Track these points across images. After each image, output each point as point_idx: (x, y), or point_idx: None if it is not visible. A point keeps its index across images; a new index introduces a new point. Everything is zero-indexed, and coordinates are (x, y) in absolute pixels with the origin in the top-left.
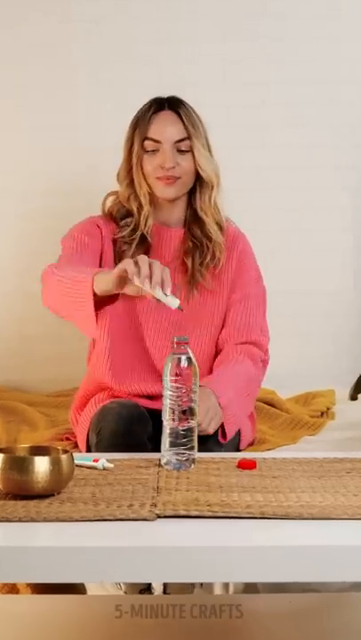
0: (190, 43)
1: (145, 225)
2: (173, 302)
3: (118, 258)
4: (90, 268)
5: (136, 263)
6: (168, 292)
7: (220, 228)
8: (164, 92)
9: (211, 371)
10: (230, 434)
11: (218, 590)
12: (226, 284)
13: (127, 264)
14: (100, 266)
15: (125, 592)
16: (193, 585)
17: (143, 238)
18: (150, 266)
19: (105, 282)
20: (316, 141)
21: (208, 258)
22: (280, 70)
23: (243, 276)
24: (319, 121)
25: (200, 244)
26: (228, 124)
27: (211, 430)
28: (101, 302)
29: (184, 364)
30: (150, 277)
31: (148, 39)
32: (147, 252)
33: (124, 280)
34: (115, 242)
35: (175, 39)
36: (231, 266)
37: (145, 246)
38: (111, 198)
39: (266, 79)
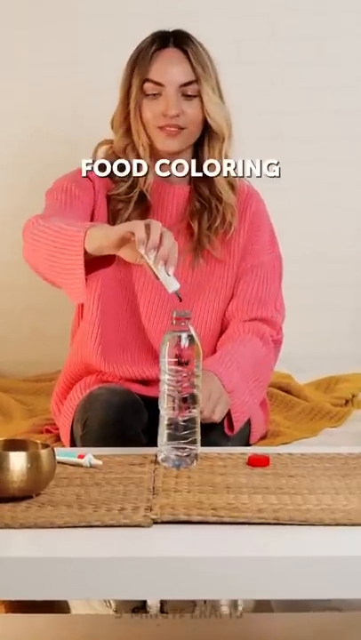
0: None
1: (145, 182)
2: (173, 285)
3: (113, 217)
4: (81, 222)
5: (147, 227)
6: (170, 273)
7: (232, 187)
8: (164, 24)
9: (216, 351)
10: (239, 424)
11: (225, 609)
12: (236, 251)
13: (137, 228)
14: None
15: (116, 611)
16: (195, 603)
17: (142, 197)
18: (161, 236)
19: (100, 239)
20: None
21: (218, 221)
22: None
23: (255, 242)
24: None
25: (208, 206)
26: (235, 61)
27: (216, 418)
28: (92, 264)
29: (185, 343)
30: (158, 250)
31: None
32: (146, 213)
33: (124, 242)
34: (109, 199)
35: None
36: (243, 229)
37: (144, 206)
38: (104, 148)
39: (271, 10)
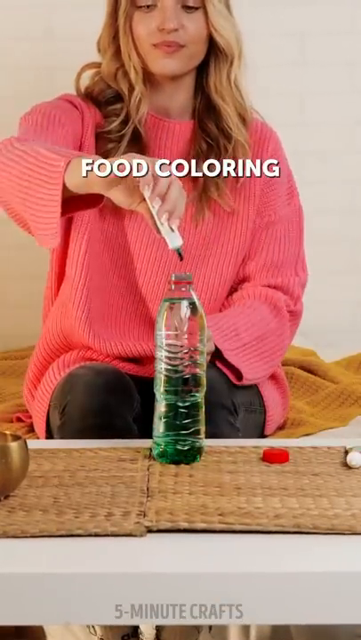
0: None
1: (137, 112)
2: (175, 241)
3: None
4: (67, 150)
5: (154, 175)
6: (175, 227)
7: (244, 121)
8: None
9: None
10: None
11: (234, 637)
12: (252, 201)
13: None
14: None
15: (102, 639)
16: (198, 629)
17: (137, 134)
18: (170, 185)
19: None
20: None
21: (232, 167)
22: None
23: (272, 191)
24: None
25: (217, 145)
26: None
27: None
28: (73, 206)
29: (186, 312)
30: (164, 199)
31: None
32: (143, 153)
33: (117, 180)
34: (97, 137)
35: None
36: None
37: (140, 145)
38: (90, 73)
39: None
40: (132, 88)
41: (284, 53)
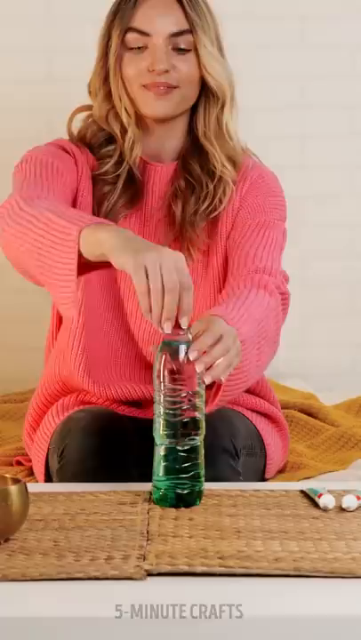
0: None
1: (131, 154)
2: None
3: (98, 203)
4: (76, 212)
5: (146, 271)
6: (184, 324)
7: (233, 163)
8: None
9: None
10: (235, 392)
11: None
12: (223, 233)
13: (135, 271)
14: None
15: None
16: None
17: (131, 176)
18: (162, 291)
19: (99, 244)
20: None
21: (206, 203)
22: None
23: (256, 201)
24: None
25: (199, 185)
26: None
27: (221, 375)
28: (88, 265)
29: (183, 355)
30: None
31: None
32: (138, 195)
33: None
34: (94, 180)
35: None
36: (234, 204)
37: (135, 187)
38: (82, 116)
39: None
40: (124, 130)
41: (285, 96)
